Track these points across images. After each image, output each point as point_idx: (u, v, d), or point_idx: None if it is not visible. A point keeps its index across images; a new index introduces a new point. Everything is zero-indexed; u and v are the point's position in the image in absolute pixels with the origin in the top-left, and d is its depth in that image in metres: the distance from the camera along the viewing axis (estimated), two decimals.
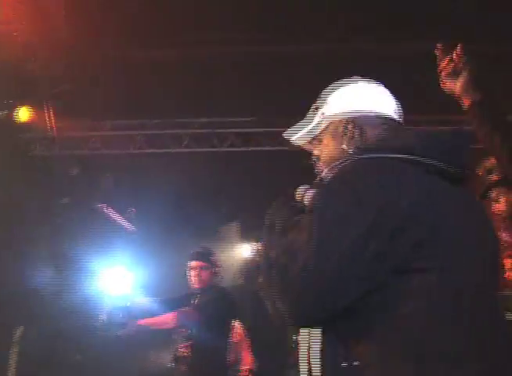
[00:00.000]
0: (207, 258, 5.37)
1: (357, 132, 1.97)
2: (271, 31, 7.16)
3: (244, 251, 8.82)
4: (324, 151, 2.06)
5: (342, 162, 1.81)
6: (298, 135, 2.17)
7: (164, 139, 8.55)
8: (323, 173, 2.02)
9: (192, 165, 8.35)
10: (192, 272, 5.29)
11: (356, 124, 1.99)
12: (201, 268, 5.28)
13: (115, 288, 4.68)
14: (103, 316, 4.70)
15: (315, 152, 2.12)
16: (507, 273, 5.21)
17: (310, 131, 2.13)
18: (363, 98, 2.06)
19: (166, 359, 5.92)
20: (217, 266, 5.39)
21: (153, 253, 7.96)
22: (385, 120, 2.01)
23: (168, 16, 6.78)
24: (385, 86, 2.14)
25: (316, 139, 2.10)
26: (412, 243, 1.58)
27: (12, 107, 7.75)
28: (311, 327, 1.73)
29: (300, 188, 2.04)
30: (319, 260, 1.53)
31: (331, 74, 2.32)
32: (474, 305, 1.61)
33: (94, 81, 7.30)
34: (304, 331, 1.85)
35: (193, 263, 5.32)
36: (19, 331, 7.50)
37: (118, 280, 4.71)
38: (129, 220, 9.35)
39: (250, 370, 6.65)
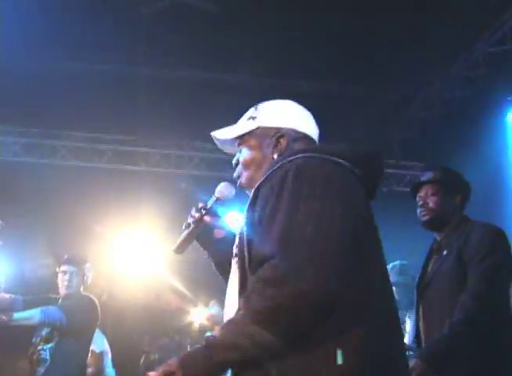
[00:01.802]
0: (79, 264, 5.32)
1: (287, 146, 2.06)
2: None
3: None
4: (250, 157, 2.12)
5: (291, 159, 1.88)
6: (225, 133, 2.22)
7: (41, 149, 8.51)
8: (246, 178, 2.12)
9: (67, 178, 8.32)
10: (63, 277, 5.24)
11: (288, 139, 2.08)
12: (72, 273, 5.23)
13: None
14: None
15: (240, 156, 2.16)
16: None
17: (239, 131, 2.18)
18: (298, 117, 2.16)
19: (24, 362, 5.78)
20: (87, 274, 5.36)
21: (22, 256, 7.80)
22: (310, 140, 2.13)
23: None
24: None
25: (243, 142, 2.16)
26: (362, 238, 1.77)
27: None
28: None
29: (221, 185, 2.25)
30: (326, 253, 1.65)
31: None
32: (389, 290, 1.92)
33: None
34: None
35: (65, 267, 5.27)
36: None
37: None
38: None
39: None
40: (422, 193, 3.55)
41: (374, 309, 1.74)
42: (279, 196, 1.76)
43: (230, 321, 1.70)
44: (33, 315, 4.77)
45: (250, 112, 2.20)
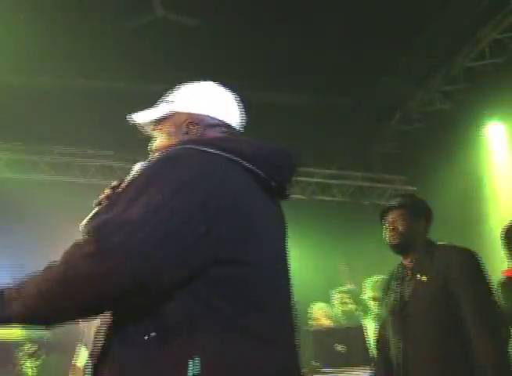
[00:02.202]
0: None
1: (198, 133, 1.98)
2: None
3: None
4: (161, 143, 2.03)
5: (171, 148, 1.79)
6: (142, 116, 2.11)
7: (23, 164, 8.52)
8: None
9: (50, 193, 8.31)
10: None
11: (200, 126, 1.99)
12: None
13: None
14: None
15: (155, 142, 2.07)
16: None
17: (153, 115, 2.08)
18: (214, 102, 2.06)
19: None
20: None
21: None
22: (227, 128, 2.03)
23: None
24: None
25: (158, 126, 2.07)
26: (230, 235, 1.64)
27: None
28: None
29: (138, 165, 2.03)
30: (145, 234, 1.51)
31: None
32: (278, 296, 1.80)
33: None
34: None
35: None
36: None
37: None
38: None
39: None
40: (390, 218, 3.71)
41: (249, 318, 1.64)
42: (136, 180, 1.70)
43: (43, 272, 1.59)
44: (14, 330, 4.77)
45: (170, 95, 2.12)
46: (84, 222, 1.90)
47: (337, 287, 6.73)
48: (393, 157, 9.63)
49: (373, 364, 4.08)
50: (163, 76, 7.69)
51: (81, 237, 1.57)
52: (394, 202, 3.82)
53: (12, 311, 1.59)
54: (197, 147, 1.75)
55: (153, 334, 1.57)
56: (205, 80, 2.15)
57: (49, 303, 1.56)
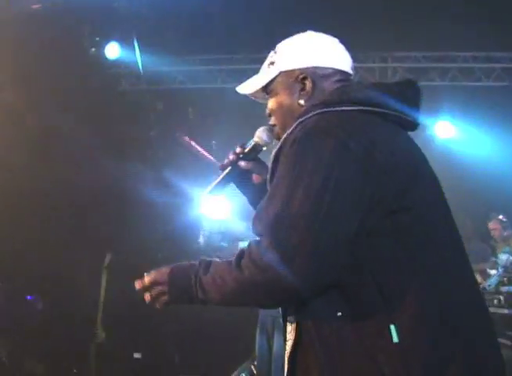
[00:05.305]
0: None
1: (314, 87, 1.92)
2: None
3: None
4: (278, 105, 2.00)
5: (307, 117, 1.77)
6: (248, 87, 2.08)
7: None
8: (280, 127, 2.00)
9: None
10: None
11: (313, 79, 1.93)
12: None
13: (213, 213, 4.85)
14: (201, 240, 4.95)
15: (269, 105, 2.04)
16: None
17: (261, 81, 2.03)
18: (320, 51, 1.97)
19: None
20: None
21: None
22: (341, 75, 1.96)
23: None
24: None
25: (269, 91, 2.02)
26: (397, 188, 1.66)
27: (101, 44, 8.10)
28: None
29: (260, 129, 2.09)
30: (317, 229, 1.58)
31: None
32: (449, 235, 1.78)
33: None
34: None
35: None
36: (107, 258, 7.81)
37: (216, 205, 4.88)
38: (210, 152, 9.60)
39: None
40: None
41: (425, 285, 1.63)
42: (285, 169, 1.69)
43: (224, 272, 1.70)
44: None
45: (270, 57, 2.04)
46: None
47: None
48: None
49: None
50: None
51: (256, 237, 1.68)
52: None
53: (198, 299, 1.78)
54: (329, 109, 1.76)
55: (343, 309, 1.63)
56: None
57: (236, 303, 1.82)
